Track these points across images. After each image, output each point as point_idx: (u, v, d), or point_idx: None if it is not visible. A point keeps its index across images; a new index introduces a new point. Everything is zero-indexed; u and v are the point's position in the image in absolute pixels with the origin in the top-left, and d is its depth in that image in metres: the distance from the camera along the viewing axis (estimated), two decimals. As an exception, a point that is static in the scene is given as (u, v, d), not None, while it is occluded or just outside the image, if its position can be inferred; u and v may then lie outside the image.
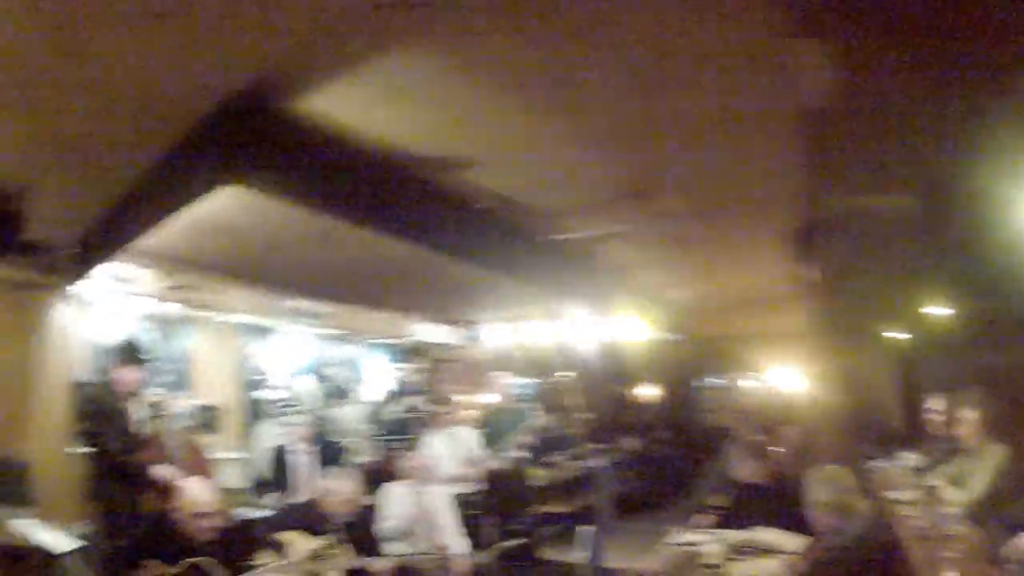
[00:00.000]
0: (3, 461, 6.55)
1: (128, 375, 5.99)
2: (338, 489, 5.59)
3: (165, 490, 5.67)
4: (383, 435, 9.51)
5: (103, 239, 5.71)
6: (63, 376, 6.89)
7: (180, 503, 4.66)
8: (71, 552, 5.44)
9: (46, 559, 5.36)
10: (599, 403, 12.73)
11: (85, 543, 5.61)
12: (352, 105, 3.65)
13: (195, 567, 4.39)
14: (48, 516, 6.01)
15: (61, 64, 3.18)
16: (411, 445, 8.32)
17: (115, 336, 6.20)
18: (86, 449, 6.15)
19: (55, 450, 6.66)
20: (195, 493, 4.66)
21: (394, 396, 10.11)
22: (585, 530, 6.48)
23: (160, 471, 5.79)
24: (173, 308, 7.54)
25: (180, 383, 7.78)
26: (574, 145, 4.52)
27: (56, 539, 5.44)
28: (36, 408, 6.76)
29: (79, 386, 6.96)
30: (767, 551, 4.67)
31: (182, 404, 6.77)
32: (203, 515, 4.58)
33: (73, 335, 7.07)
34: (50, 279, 6.56)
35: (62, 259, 6.44)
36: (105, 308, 7.39)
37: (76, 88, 3.22)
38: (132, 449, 5.85)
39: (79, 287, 6.82)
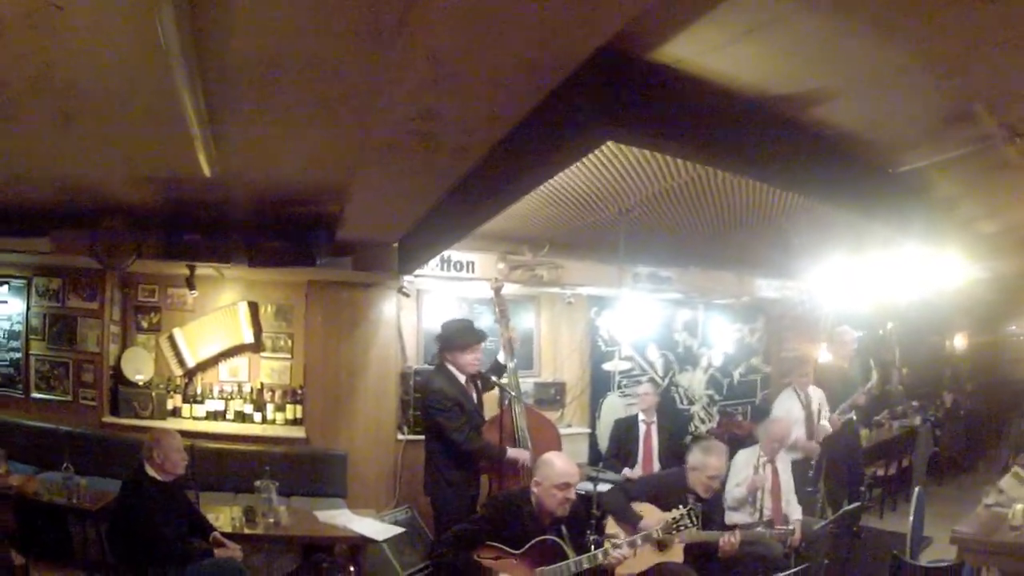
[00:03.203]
0: (324, 454, 7.15)
1: (466, 360, 5.92)
2: (698, 460, 5.39)
3: (514, 470, 5.71)
4: (727, 400, 9.26)
5: (435, 229, 5.84)
6: (391, 367, 7.48)
7: (542, 476, 4.57)
8: (392, 538, 5.80)
9: (366, 546, 5.68)
10: (918, 356, 11.76)
11: (406, 530, 5.96)
12: (709, 46, 3.42)
13: (544, 545, 4.36)
14: (373, 504, 6.60)
15: (376, 56, 3.17)
16: (755, 408, 8.02)
17: (451, 321, 6.30)
18: (421, 436, 6.35)
19: (382, 439, 7.23)
20: (558, 467, 4.58)
21: (735, 358, 9.81)
22: (917, 492, 5.86)
23: (513, 452, 5.79)
24: (514, 288, 7.67)
25: (525, 362, 7.86)
26: (916, 72, 4.07)
27: (376, 527, 5.75)
28: (362, 401, 7.39)
29: (410, 375, 7.46)
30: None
31: (528, 382, 6.81)
32: (565, 486, 4.51)
33: (402, 327, 7.65)
34: (375, 276, 7.14)
35: (386, 256, 6.91)
36: (437, 296, 7.82)
37: (395, 75, 3.21)
38: (478, 431, 5.85)
39: (408, 280, 7.33)
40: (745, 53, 3.53)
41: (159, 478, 5.12)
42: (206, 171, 4.53)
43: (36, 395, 7.97)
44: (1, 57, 3.48)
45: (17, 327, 8.16)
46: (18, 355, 8.12)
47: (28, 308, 8.12)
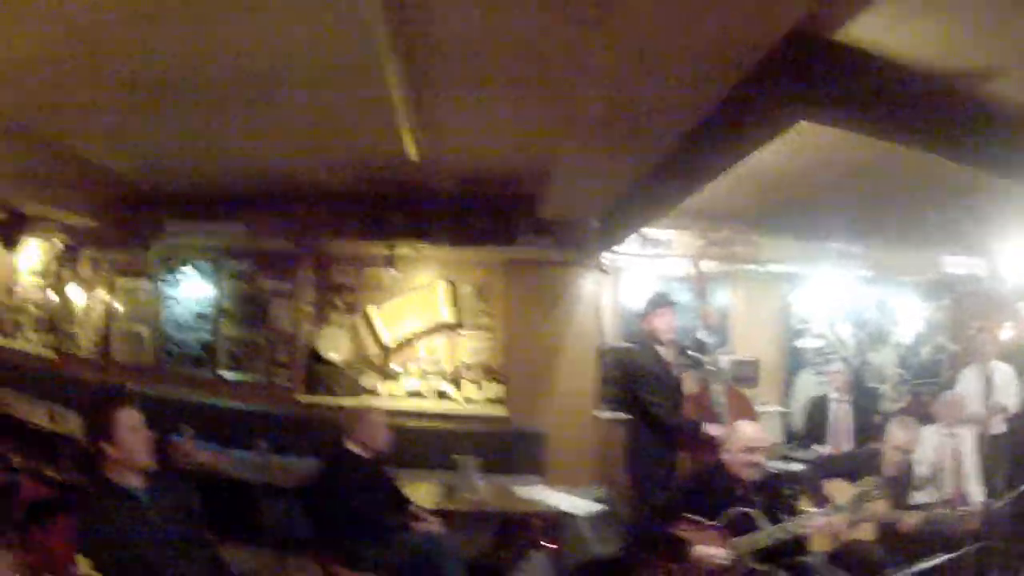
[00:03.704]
0: (521, 432, 7.21)
1: (662, 323, 5.87)
2: (892, 438, 5.33)
3: (711, 445, 5.73)
4: (915, 378, 9.00)
5: (634, 207, 5.85)
6: (590, 345, 7.44)
7: (732, 443, 4.57)
8: (591, 515, 5.78)
9: (566, 522, 5.77)
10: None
11: (605, 506, 5.87)
12: (890, 22, 3.40)
13: (738, 516, 4.41)
14: (570, 481, 6.52)
15: (579, 37, 3.20)
16: (941, 386, 7.77)
17: (646, 295, 6.33)
18: (617, 414, 6.41)
19: (579, 417, 7.25)
20: (747, 431, 4.62)
21: (923, 336, 9.52)
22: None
23: (709, 427, 5.63)
24: (710, 265, 7.44)
25: (721, 339, 7.82)
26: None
27: (575, 503, 5.79)
28: (561, 379, 7.40)
29: (610, 352, 7.43)
30: None
31: (724, 359, 6.81)
32: (755, 450, 4.55)
33: (601, 304, 7.56)
34: (575, 254, 7.12)
35: (587, 233, 6.87)
36: (635, 274, 7.73)
37: (598, 57, 3.29)
38: (677, 407, 5.81)
39: (605, 257, 7.29)
40: (924, 28, 3.48)
41: (360, 454, 5.28)
42: (410, 152, 4.69)
43: (226, 375, 8.29)
44: (200, 43, 3.67)
45: (208, 309, 8.47)
46: (208, 336, 8.44)
47: (219, 290, 8.41)
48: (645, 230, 6.97)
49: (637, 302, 6.51)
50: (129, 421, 3.26)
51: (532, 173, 5.79)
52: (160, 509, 3.31)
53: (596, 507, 5.93)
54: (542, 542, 5.83)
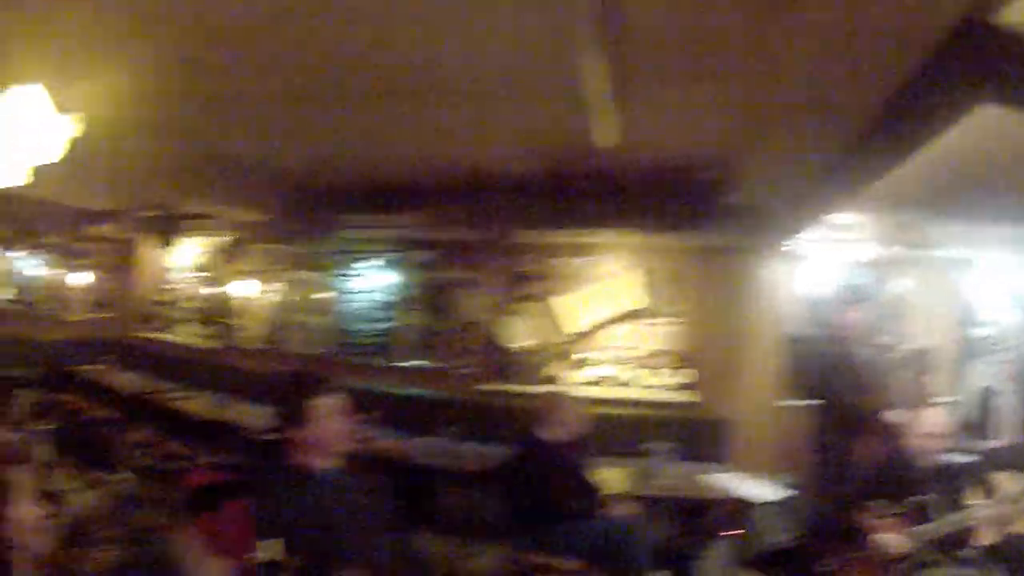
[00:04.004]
0: (708, 419, 7.26)
1: (853, 318, 5.91)
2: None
3: (893, 433, 5.66)
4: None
5: (819, 192, 5.86)
6: (774, 333, 7.42)
7: (913, 430, 4.67)
8: (775, 503, 5.86)
9: (750, 510, 5.86)
10: None
11: (790, 494, 5.93)
12: None
13: (915, 505, 4.39)
14: (754, 469, 6.60)
15: (768, 25, 3.27)
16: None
17: (833, 285, 6.37)
18: (802, 401, 6.31)
19: (764, 405, 7.23)
20: (930, 419, 4.66)
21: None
22: None
23: (892, 415, 5.51)
24: (891, 251, 7.41)
25: (899, 326, 7.72)
26: None
27: (760, 490, 5.90)
28: (747, 366, 7.44)
29: (795, 340, 7.34)
30: None
31: (903, 347, 6.71)
32: (936, 438, 4.59)
33: (785, 291, 7.53)
34: (761, 240, 7.17)
35: (773, 220, 6.90)
36: (818, 260, 7.61)
37: (786, 44, 3.32)
38: (861, 395, 5.75)
39: (790, 243, 7.24)
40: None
41: (551, 440, 5.45)
42: (604, 141, 4.65)
43: (408, 364, 8.52)
44: (387, 38, 3.76)
45: (389, 298, 8.78)
46: (388, 326, 8.73)
47: (402, 279, 8.70)
48: (829, 216, 6.88)
49: (822, 289, 6.53)
50: (327, 407, 3.28)
51: (722, 160, 5.82)
52: (349, 494, 3.34)
53: (780, 495, 5.99)
54: (726, 529, 5.96)
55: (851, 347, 5.90)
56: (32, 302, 13.13)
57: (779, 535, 6.01)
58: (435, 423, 7.42)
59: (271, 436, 6.86)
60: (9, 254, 13.84)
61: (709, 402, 7.39)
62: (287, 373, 3.73)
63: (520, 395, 7.61)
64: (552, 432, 5.49)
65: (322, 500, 3.20)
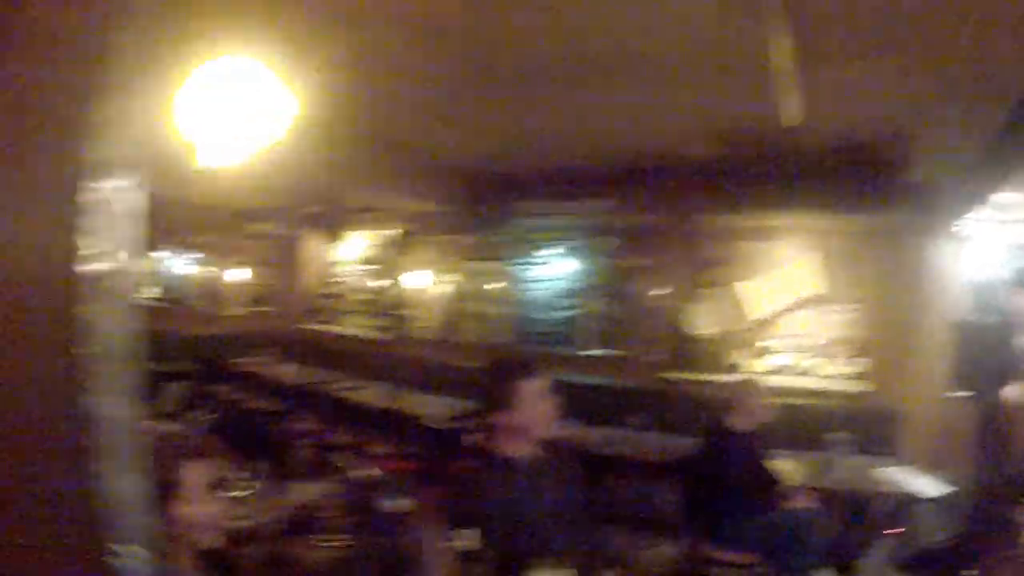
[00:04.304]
0: (879, 410, 6.99)
1: (1021, 303, 5.75)
2: None
3: None
4: None
5: (989, 170, 5.57)
6: (944, 319, 7.09)
7: None
8: (936, 499, 5.71)
9: (913, 507, 5.75)
10: None
11: (950, 490, 5.74)
12: None
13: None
14: (922, 462, 6.40)
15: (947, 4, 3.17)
16: None
17: (1000, 268, 5.98)
18: (968, 392, 6.20)
19: (932, 395, 6.93)
20: None
21: None
22: None
23: None
24: None
25: None
26: None
27: (925, 486, 5.75)
28: (917, 354, 7.14)
29: (963, 326, 7.00)
30: None
31: None
32: None
33: (955, 275, 7.17)
34: (931, 221, 6.88)
35: (944, 199, 6.66)
36: (986, 242, 7.23)
37: (963, 13, 3.16)
38: None
39: (959, 224, 6.90)
40: None
41: (737, 429, 5.38)
42: (789, 119, 4.67)
43: (590, 352, 8.49)
44: (568, 22, 3.74)
45: (569, 286, 8.74)
46: (569, 314, 8.70)
47: (586, 266, 8.64)
48: (995, 195, 6.53)
49: (990, 272, 6.21)
50: (534, 389, 3.20)
51: (899, 138, 5.68)
52: (547, 482, 3.27)
53: (946, 489, 5.77)
54: (890, 527, 5.79)
55: (1019, 333, 5.74)
56: (184, 299, 13.69)
57: (937, 534, 5.92)
58: (617, 412, 7.33)
59: (455, 424, 6.92)
60: (160, 253, 14.45)
61: (881, 392, 7.15)
62: (490, 359, 3.66)
63: (704, 383, 7.50)
64: (740, 422, 5.42)
65: (521, 489, 3.14)
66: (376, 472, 5.10)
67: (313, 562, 3.89)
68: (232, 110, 2.29)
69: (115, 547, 1.58)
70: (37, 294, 1.59)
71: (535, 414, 3.19)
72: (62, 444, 1.57)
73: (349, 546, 3.98)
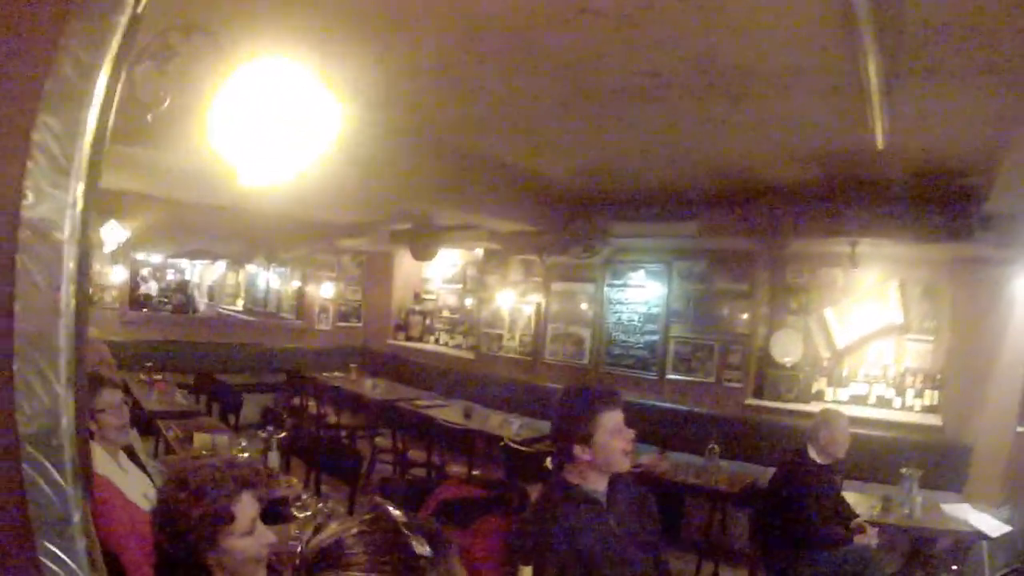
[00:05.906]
0: (950, 444, 7.04)
1: None
2: None
3: None
4: None
5: None
6: (1018, 352, 6.95)
7: None
8: (996, 538, 5.62)
9: (975, 545, 5.74)
10: None
11: (1010, 528, 5.71)
12: None
13: None
14: (988, 499, 6.40)
15: None
16: None
17: None
18: None
19: (1005, 430, 6.83)
20: None
21: None
22: None
23: None
24: None
25: None
26: None
27: (988, 524, 5.66)
28: (993, 388, 7.06)
29: None
30: None
31: None
32: None
33: None
34: (1011, 252, 6.71)
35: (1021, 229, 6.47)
36: None
37: None
38: None
39: None
40: None
41: (819, 460, 5.32)
42: (879, 143, 4.56)
43: (672, 377, 8.57)
44: (660, 41, 3.71)
45: (655, 310, 8.82)
46: (654, 338, 8.77)
47: (669, 291, 8.70)
48: None
49: None
50: (612, 423, 3.11)
51: (985, 164, 5.51)
52: (622, 515, 3.16)
53: (1006, 529, 5.71)
54: (951, 564, 5.78)
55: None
56: (271, 313, 13.94)
57: (999, 572, 5.91)
58: (696, 439, 7.25)
59: (534, 448, 6.93)
60: (249, 267, 14.70)
61: (952, 426, 7.13)
62: (569, 387, 3.64)
63: (784, 412, 7.56)
64: (822, 452, 5.36)
65: (597, 522, 3.06)
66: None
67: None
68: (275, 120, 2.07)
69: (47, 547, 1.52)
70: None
71: (613, 448, 3.11)
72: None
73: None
